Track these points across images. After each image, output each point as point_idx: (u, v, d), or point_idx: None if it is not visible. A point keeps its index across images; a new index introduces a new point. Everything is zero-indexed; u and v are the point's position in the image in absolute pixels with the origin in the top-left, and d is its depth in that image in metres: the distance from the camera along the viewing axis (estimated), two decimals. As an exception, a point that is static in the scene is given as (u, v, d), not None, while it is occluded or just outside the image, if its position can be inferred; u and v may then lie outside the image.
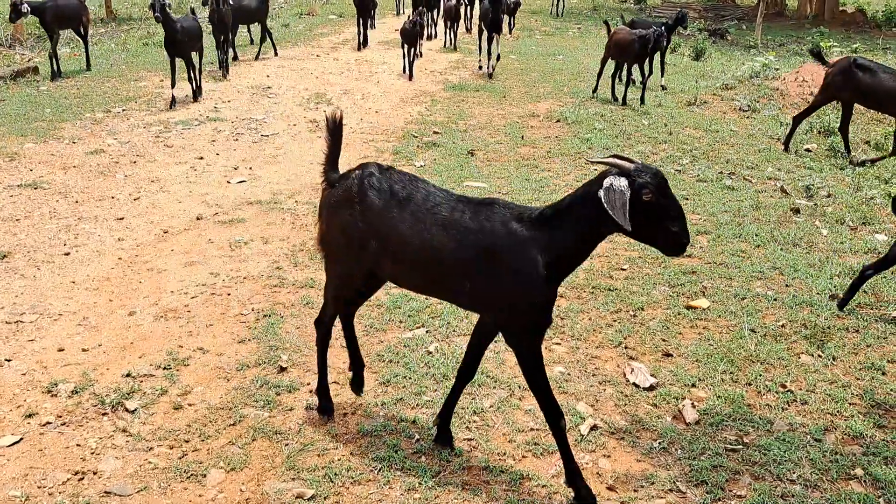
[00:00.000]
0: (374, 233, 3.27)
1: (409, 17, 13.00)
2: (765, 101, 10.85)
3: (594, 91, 11.54)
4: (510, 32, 18.72)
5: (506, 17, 12.22)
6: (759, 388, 4.10)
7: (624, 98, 10.91)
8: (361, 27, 16.03)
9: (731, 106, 10.75)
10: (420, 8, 14.63)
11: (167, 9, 9.63)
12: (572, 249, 3.07)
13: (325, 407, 3.74)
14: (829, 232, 6.30)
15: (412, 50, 12.96)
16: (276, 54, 14.27)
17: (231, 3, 11.94)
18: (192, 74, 10.29)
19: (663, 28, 11.07)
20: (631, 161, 2.94)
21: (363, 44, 16.08)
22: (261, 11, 13.86)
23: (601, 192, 2.88)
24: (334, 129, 3.52)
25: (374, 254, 3.30)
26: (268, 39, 14.30)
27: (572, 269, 3.17)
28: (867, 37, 20.28)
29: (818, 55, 8.63)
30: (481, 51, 13.50)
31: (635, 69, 11.54)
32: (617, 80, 11.24)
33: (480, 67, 13.65)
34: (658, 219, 2.90)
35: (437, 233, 3.13)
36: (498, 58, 12.98)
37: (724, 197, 7.09)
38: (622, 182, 2.84)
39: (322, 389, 3.74)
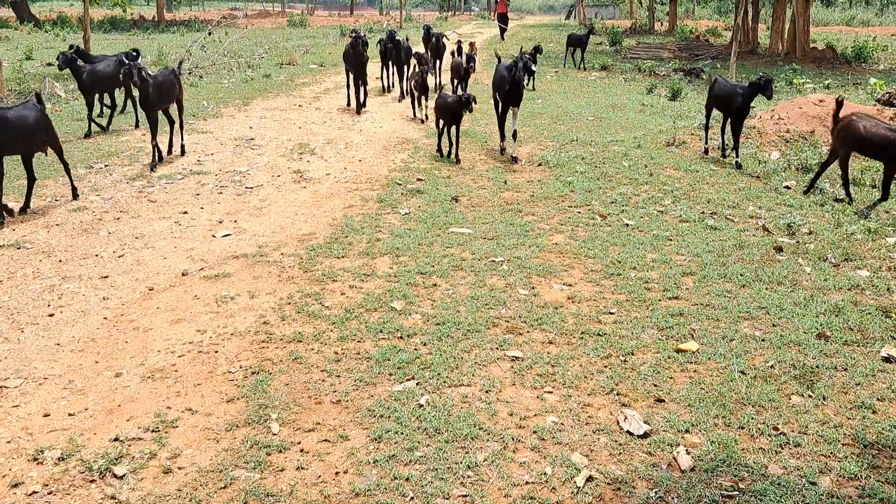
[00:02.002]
0: None
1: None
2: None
3: (810, 190, 8.74)
4: (533, 88, 16.89)
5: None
6: (751, 431, 4.10)
7: (871, 207, 8.07)
8: (355, 89, 13.88)
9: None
10: (423, 66, 12.98)
11: None
12: None
13: None
14: (812, 269, 6.37)
15: (452, 128, 10.29)
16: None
17: (148, 75, 9.21)
18: (30, 184, 7.82)
19: None
20: None
21: (361, 107, 13.96)
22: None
23: None
24: None
25: None
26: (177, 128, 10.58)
27: None
28: (838, 73, 20.75)
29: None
30: (502, 131, 10.78)
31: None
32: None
33: (503, 151, 10.80)
34: None
35: None
36: (514, 135, 10.50)
37: (707, 237, 7.16)
38: None
39: None
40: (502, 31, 31.25)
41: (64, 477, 3.71)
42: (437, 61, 16.71)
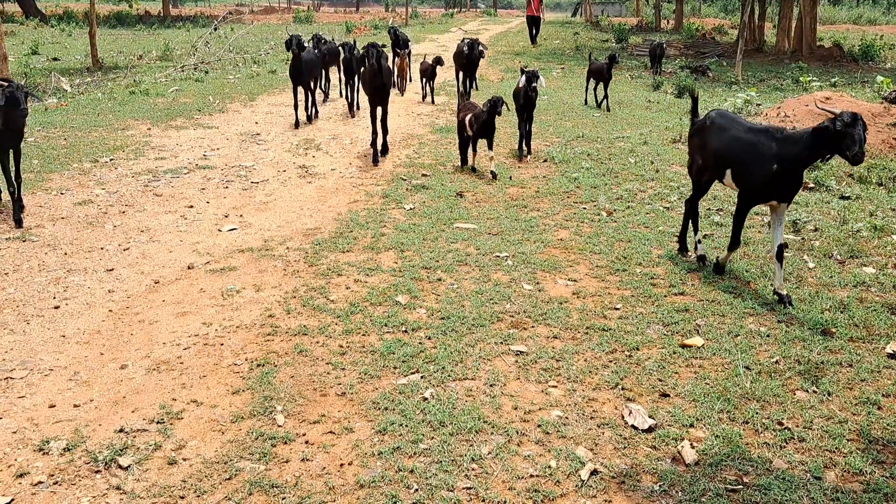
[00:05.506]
0: None
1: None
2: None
3: None
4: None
5: None
6: (756, 426, 4.09)
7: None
8: (376, 124, 9.95)
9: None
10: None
11: None
12: None
13: None
14: (817, 266, 6.35)
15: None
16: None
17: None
18: None
19: None
20: None
21: (382, 152, 10.29)
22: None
23: None
24: None
25: None
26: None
27: None
28: (845, 70, 20.67)
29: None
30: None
31: None
32: None
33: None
34: None
35: None
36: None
37: (712, 233, 7.14)
38: None
39: None
40: (532, 36, 27.85)
41: (69, 467, 3.72)
42: (406, 80, 15.62)
